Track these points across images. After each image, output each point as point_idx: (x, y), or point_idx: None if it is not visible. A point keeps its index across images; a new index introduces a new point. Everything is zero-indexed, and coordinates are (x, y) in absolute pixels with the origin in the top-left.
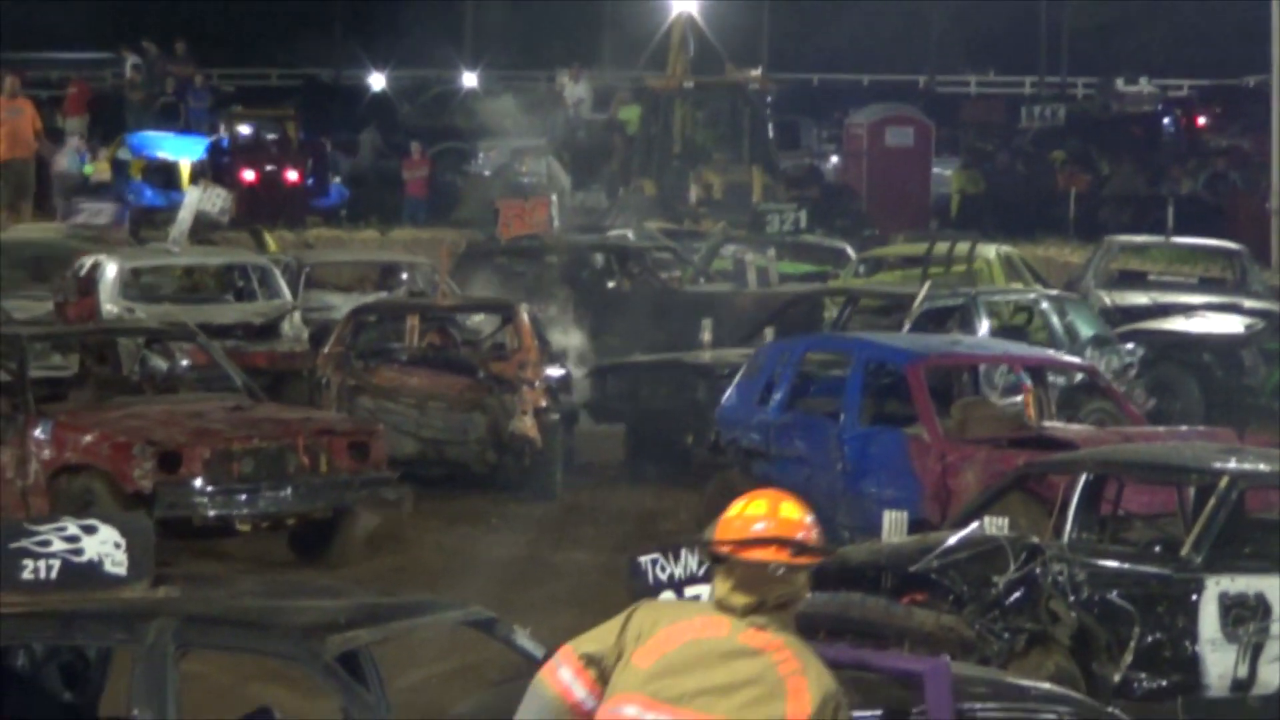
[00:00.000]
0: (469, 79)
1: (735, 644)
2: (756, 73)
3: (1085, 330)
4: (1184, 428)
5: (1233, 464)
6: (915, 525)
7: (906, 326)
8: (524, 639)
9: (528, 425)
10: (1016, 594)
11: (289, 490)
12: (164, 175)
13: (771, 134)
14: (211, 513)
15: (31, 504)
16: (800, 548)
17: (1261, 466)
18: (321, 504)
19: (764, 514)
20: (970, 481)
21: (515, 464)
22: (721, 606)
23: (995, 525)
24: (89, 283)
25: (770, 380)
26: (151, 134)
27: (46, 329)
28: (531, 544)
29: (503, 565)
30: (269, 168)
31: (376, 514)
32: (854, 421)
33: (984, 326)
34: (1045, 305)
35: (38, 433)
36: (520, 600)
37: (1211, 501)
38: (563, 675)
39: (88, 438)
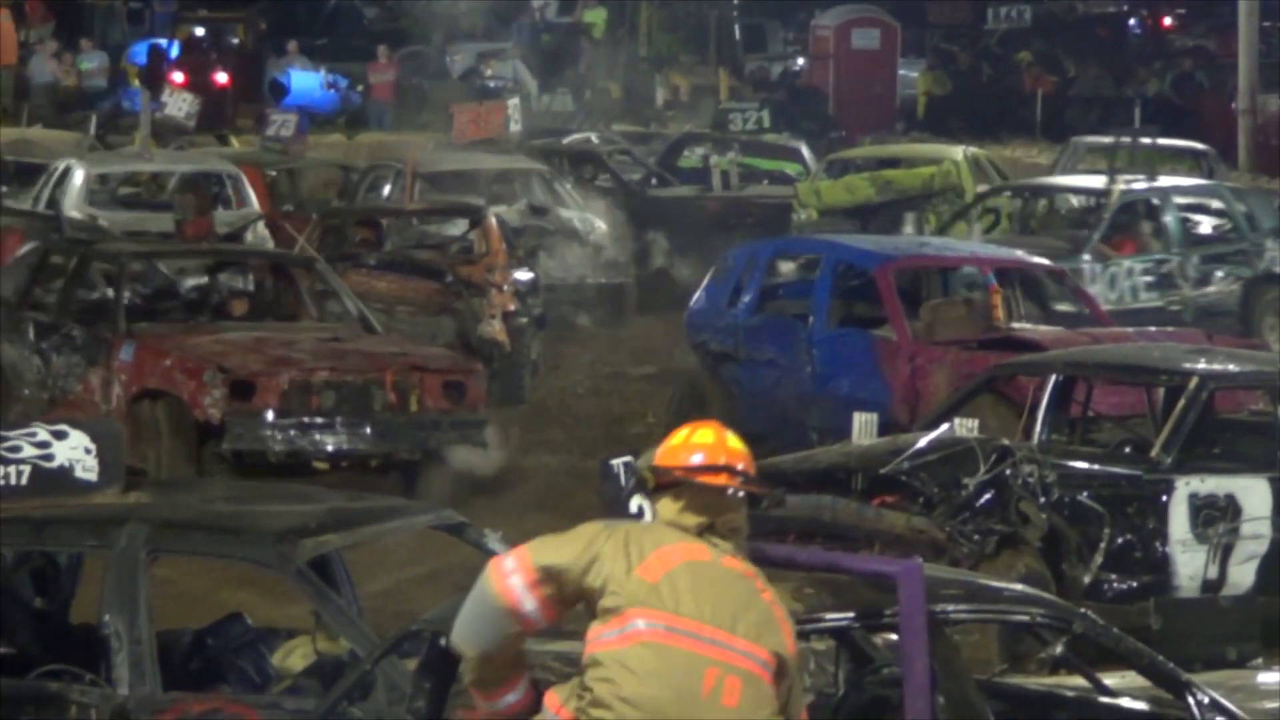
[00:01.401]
0: None
1: (723, 568)
2: None
3: (1266, 222)
4: (1153, 329)
5: (1202, 365)
6: (885, 427)
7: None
8: (494, 542)
9: (496, 329)
10: (987, 496)
11: (371, 428)
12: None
13: (738, 36)
14: (283, 448)
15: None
16: (748, 478)
17: (1230, 367)
18: (405, 445)
19: (714, 443)
20: (940, 383)
21: (484, 368)
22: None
23: (965, 427)
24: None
25: (739, 283)
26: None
27: (150, 247)
28: (500, 448)
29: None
30: (210, 73)
31: (469, 457)
32: (823, 324)
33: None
34: (1227, 195)
35: (122, 354)
36: (489, 504)
37: (1181, 402)
38: (514, 584)
39: (166, 362)
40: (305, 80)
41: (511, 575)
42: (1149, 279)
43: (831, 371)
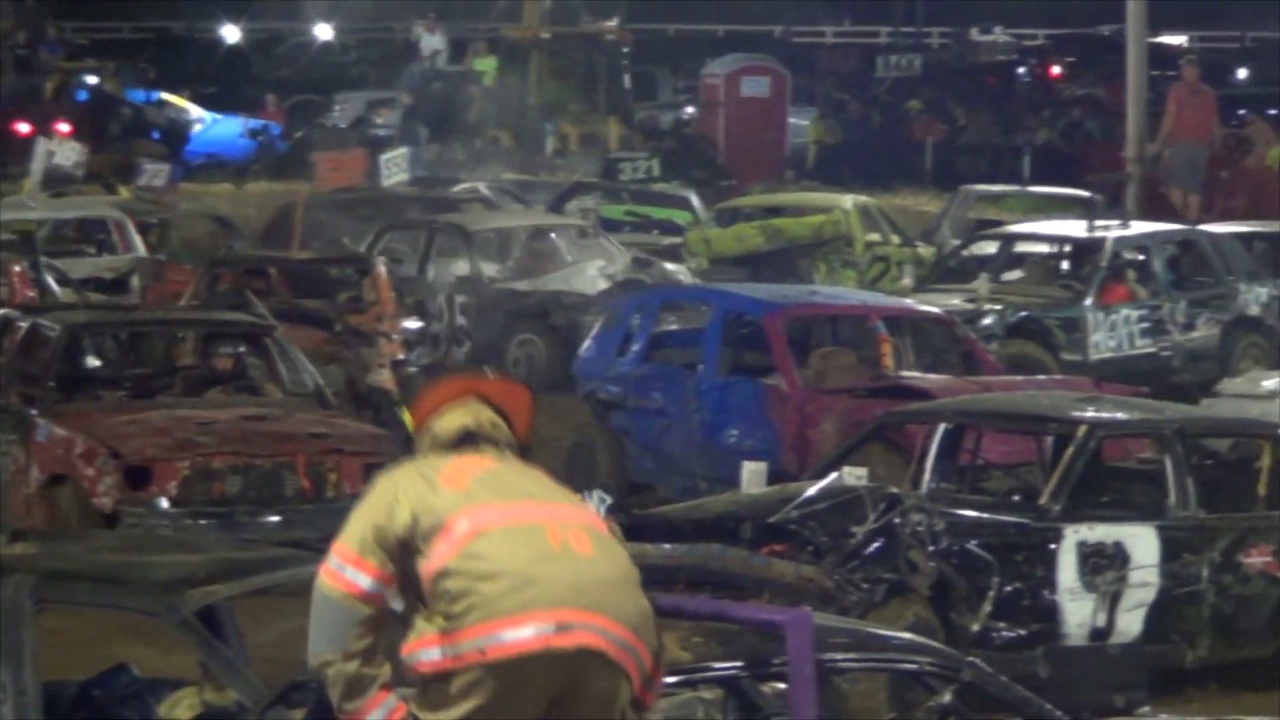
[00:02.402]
0: (323, 31)
1: (515, 466)
2: (613, 23)
3: (1240, 265)
4: (1041, 376)
5: (1090, 413)
6: (774, 476)
7: None
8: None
9: (385, 378)
10: (876, 544)
11: (278, 516)
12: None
13: (628, 85)
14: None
15: (34, 513)
16: (493, 387)
17: (1119, 415)
18: (315, 532)
19: (457, 378)
20: (829, 432)
21: (373, 416)
22: (440, 447)
23: (854, 475)
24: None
25: (628, 332)
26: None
27: (100, 316)
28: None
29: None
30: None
31: None
32: (712, 372)
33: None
34: (1203, 239)
35: (39, 434)
36: None
37: (1069, 450)
38: (342, 571)
39: (72, 445)
40: (225, 127)
41: (336, 566)
42: (1144, 325)
43: (720, 420)
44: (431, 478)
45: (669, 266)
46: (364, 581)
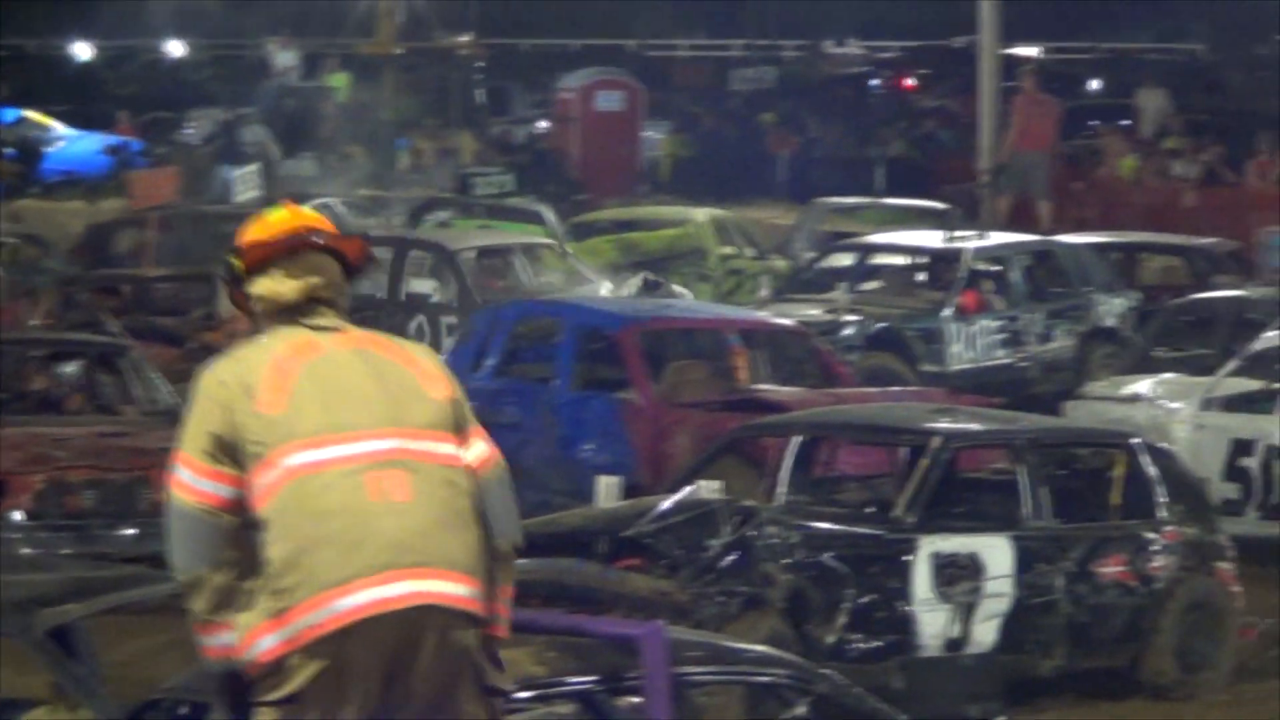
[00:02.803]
0: (176, 48)
1: (340, 355)
2: (466, 38)
3: (1096, 276)
4: (896, 388)
5: (944, 424)
6: (629, 490)
7: None
8: None
9: None
10: (730, 557)
11: (133, 529)
12: None
13: (482, 100)
14: (28, 550)
15: None
16: (330, 235)
17: (972, 426)
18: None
19: (286, 215)
20: (683, 445)
21: None
22: (274, 313)
23: (709, 489)
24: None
25: (482, 346)
26: None
27: None
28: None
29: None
30: None
31: None
32: (566, 387)
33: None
34: (1059, 250)
35: None
36: None
37: (923, 462)
38: (187, 480)
39: None
40: (84, 145)
41: (188, 479)
42: (1002, 336)
43: (575, 435)
44: (252, 384)
45: (676, 289)
46: (222, 490)
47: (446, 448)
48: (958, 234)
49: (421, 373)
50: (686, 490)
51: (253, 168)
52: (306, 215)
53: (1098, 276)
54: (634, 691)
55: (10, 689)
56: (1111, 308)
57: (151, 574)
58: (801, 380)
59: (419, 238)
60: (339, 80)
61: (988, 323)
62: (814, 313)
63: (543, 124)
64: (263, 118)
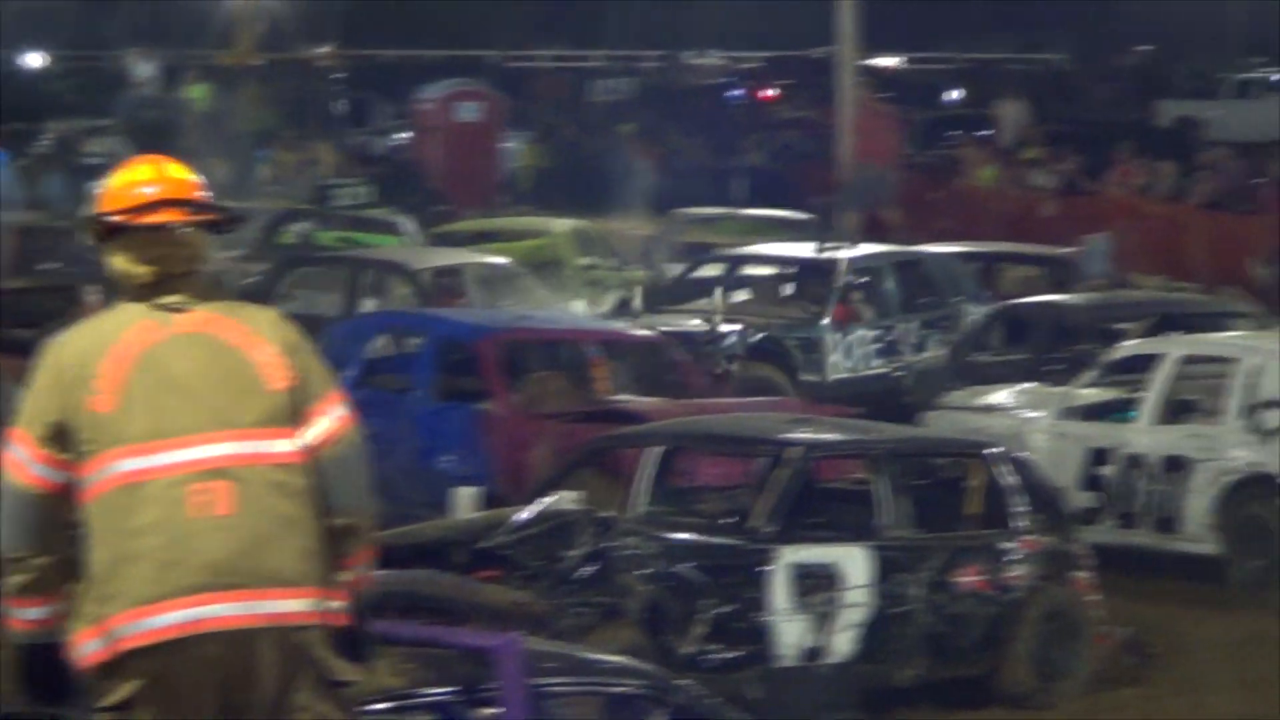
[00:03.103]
0: (33, 58)
1: (180, 340)
2: (326, 49)
3: (965, 286)
4: (754, 399)
5: (802, 434)
6: (487, 501)
7: None
8: None
9: None
10: (588, 568)
11: None
12: None
13: (341, 111)
14: None
15: None
16: (196, 206)
17: (830, 436)
18: None
19: (152, 177)
20: (542, 456)
21: None
22: (126, 287)
23: (567, 500)
24: None
25: (341, 357)
26: None
27: None
28: None
29: None
30: None
31: None
32: (426, 397)
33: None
34: (929, 260)
35: None
36: None
37: (781, 472)
38: (20, 457)
39: None
40: None
41: (16, 456)
42: (879, 346)
43: (434, 445)
44: (89, 374)
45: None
46: (53, 475)
47: (279, 445)
48: (829, 245)
49: (262, 360)
50: (545, 501)
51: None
52: (171, 179)
53: (967, 286)
54: (491, 702)
55: None
56: (980, 317)
57: None
58: (660, 391)
59: (378, 257)
60: (199, 91)
61: (865, 332)
62: (694, 323)
63: (403, 135)
64: (122, 128)
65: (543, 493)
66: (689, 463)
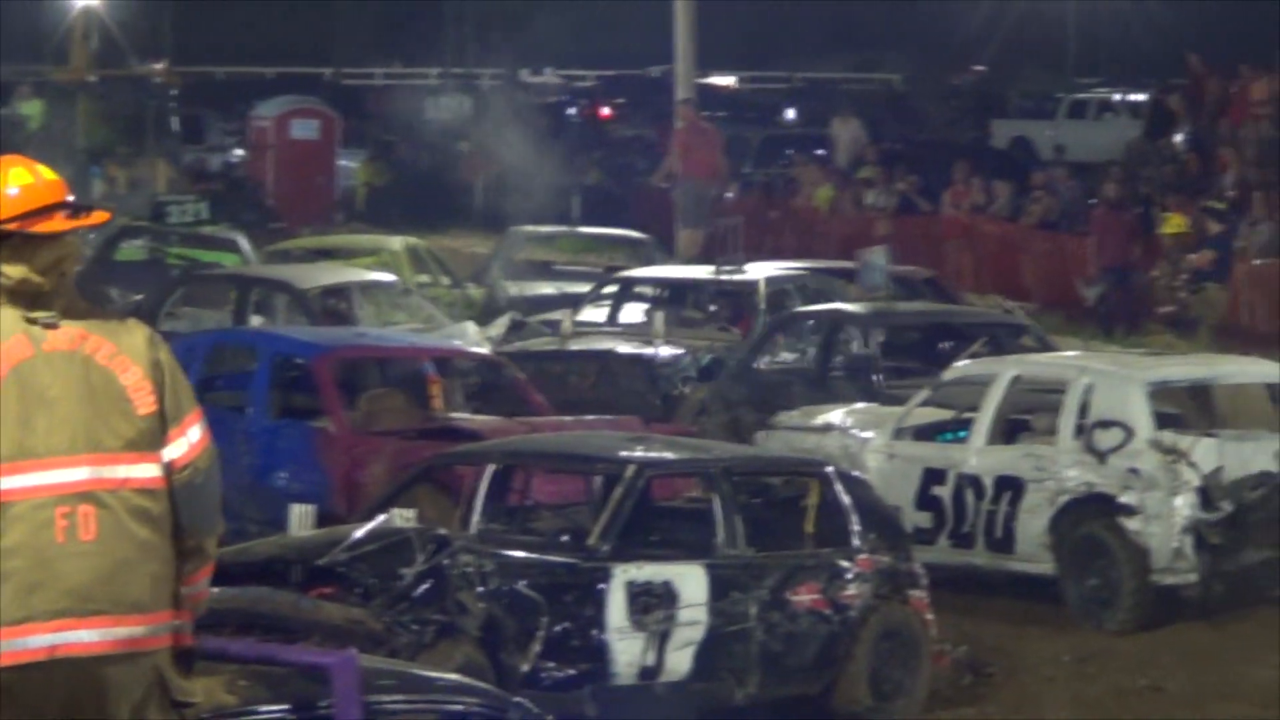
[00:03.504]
0: None
1: (48, 358)
2: (161, 66)
3: None
4: (591, 417)
5: (639, 452)
6: (323, 518)
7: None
8: None
9: None
10: (425, 586)
11: None
12: None
13: (176, 127)
14: None
15: None
16: (76, 207)
17: (667, 455)
18: None
19: (30, 180)
20: (378, 474)
21: None
22: (13, 294)
23: (403, 517)
24: None
25: None
26: None
27: None
28: None
29: None
30: None
31: None
32: (261, 414)
33: None
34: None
35: None
36: None
37: (618, 490)
38: None
39: None
40: None
41: None
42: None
43: (269, 463)
44: None
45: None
46: None
47: (144, 469)
48: (727, 267)
49: (132, 383)
50: (380, 518)
51: None
52: (49, 181)
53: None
54: None
55: None
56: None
57: None
58: (496, 409)
59: (265, 275)
60: (31, 108)
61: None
62: (630, 346)
63: (238, 152)
64: None
65: (379, 510)
66: (526, 480)
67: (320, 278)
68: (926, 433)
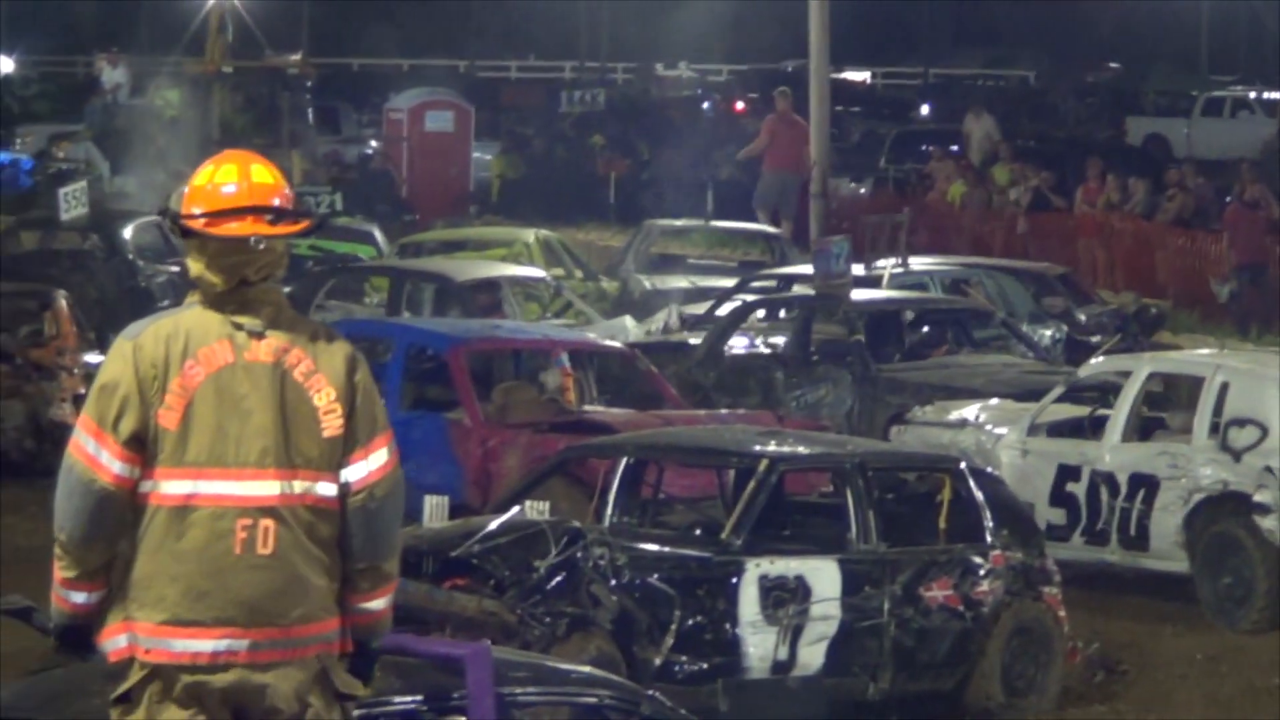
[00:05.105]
0: (4, 64)
1: (249, 368)
2: (296, 57)
3: (1018, 304)
4: (724, 411)
5: (772, 447)
6: (456, 510)
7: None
8: None
9: (66, 412)
10: (558, 578)
11: None
12: None
13: (311, 119)
14: None
15: None
16: (278, 214)
17: (800, 449)
18: None
19: (235, 179)
20: (512, 466)
21: (54, 451)
22: (203, 290)
23: (536, 510)
24: None
25: None
26: None
27: None
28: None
29: (41, 554)
30: None
31: None
32: (395, 406)
33: None
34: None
35: None
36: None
37: (751, 484)
38: (92, 451)
39: None
40: None
41: (89, 449)
42: None
43: (404, 455)
44: (162, 384)
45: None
46: (123, 470)
47: (323, 489)
48: (880, 263)
49: (324, 404)
50: (514, 511)
51: (80, 184)
52: (253, 184)
53: (1022, 305)
54: (459, 711)
55: None
56: (1042, 337)
57: None
58: (629, 402)
59: (418, 269)
60: (169, 97)
61: None
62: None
63: (373, 144)
64: (91, 134)
65: (512, 502)
66: (658, 474)
67: (473, 272)
68: (1061, 429)
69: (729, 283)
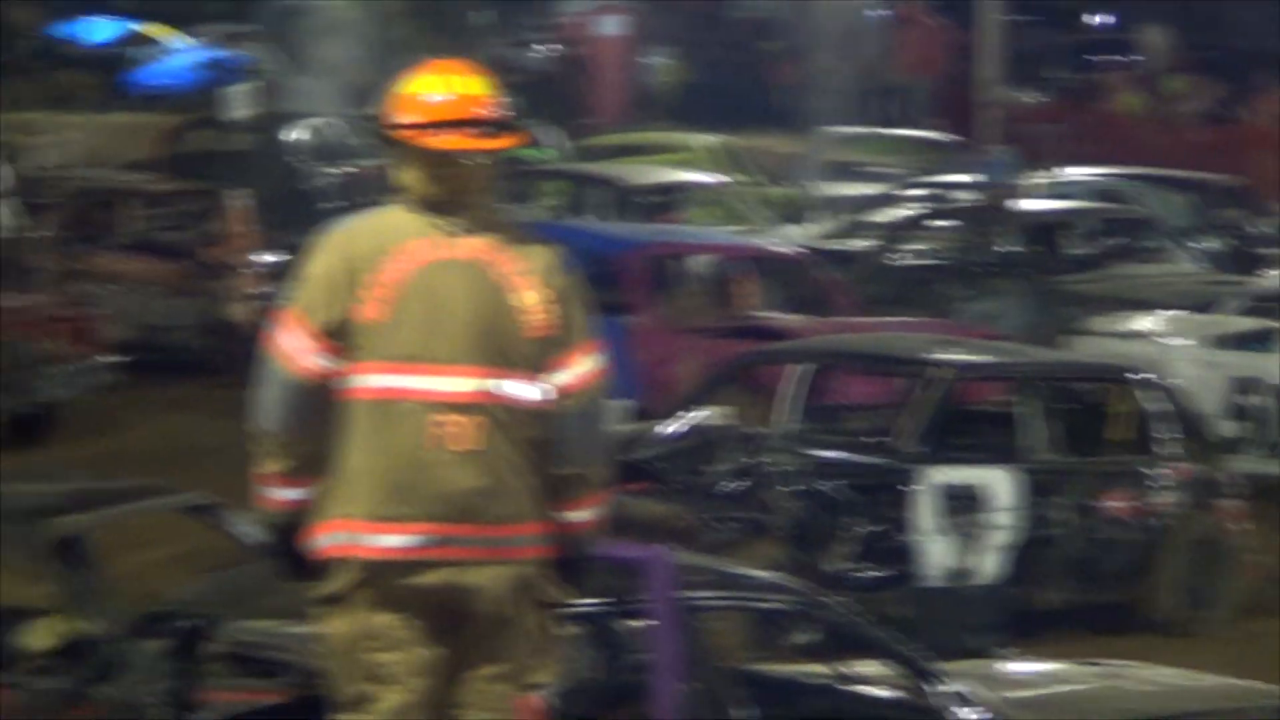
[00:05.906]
0: None
1: (458, 266)
2: None
3: (1170, 219)
4: (899, 319)
5: (950, 355)
6: (635, 414)
7: None
8: (242, 524)
9: (240, 310)
10: (735, 484)
11: None
12: None
13: (483, 21)
14: None
15: None
16: (486, 127)
17: (978, 358)
18: (24, 397)
19: (441, 91)
20: (687, 370)
21: (224, 351)
22: (412, 200)
23: (716, 414)
24: None
25: None
26: None
27: None
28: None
29: (219, 451)
30: None
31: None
32: None
33: None
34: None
35: None
36: (237, 486)
37: (930, 392)
38: (301, 353)
39: None
40: (181, 59)
41: (287, 343)
42: None
43: None
44: (367, 279)
45: None
46: (323, 362)
47: (525, 390)
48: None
49: (526, 304)
50: (693, 415)
51: (247, 85)
52: (461, 95)
53: (1171, 219)
54: (640, 615)
55: (17, 599)
56: (1209, 249)
57: (157, 487)
58: (803, 308)
59: (591, 172)
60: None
61: None
62: None
63: (541, 47)
64: (264, 35)
65: (688, 407)
66: (835, 381)
67: (648, 176)
68: (1238, 341)
69: (899, 191)
